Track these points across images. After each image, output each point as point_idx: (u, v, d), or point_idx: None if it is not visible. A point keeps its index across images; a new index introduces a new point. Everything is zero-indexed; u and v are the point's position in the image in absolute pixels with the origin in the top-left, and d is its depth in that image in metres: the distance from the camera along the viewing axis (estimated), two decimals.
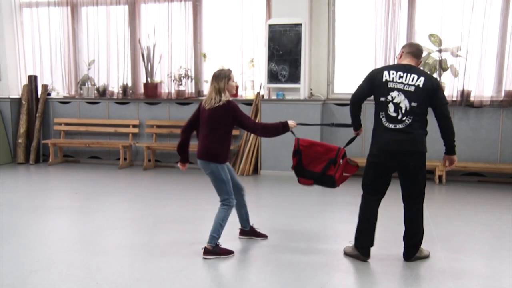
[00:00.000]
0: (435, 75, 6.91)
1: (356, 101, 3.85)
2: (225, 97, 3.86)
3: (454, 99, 6.79)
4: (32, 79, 8.64)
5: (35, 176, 7.59)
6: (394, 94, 3.59)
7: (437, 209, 5.36)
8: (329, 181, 3.94)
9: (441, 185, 6.63)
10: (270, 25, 7.24)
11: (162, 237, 4.37)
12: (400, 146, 3.59)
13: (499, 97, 6.65)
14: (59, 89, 8.90)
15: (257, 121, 7.30)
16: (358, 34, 7.28)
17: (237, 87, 4.09)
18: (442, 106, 3.62)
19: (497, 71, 6.66)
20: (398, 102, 3.58)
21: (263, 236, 4.35)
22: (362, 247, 3.79)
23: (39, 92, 8.71)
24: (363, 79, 3.79)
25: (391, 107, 3.60)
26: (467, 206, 5.51)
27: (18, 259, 3.80)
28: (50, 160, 8.47)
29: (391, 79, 3.63)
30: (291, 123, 3.98)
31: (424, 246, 4.13)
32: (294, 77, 7.19)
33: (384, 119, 3.63)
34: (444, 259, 3.83)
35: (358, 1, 7.39)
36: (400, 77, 3.61)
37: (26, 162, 8.57)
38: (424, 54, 6.92)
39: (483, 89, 6.68)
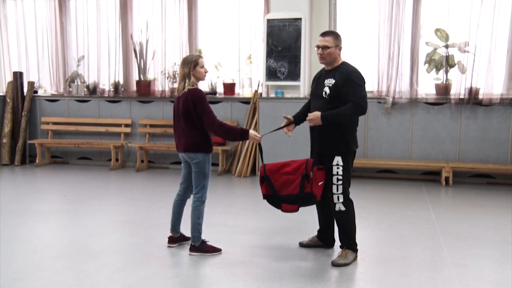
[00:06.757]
0: (442, 71, 6.87)
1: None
2: (190, 84, 3.84)
3: (462, 97, 6.70)
4: (18, 76, 8.57)
5: (20, 178, 7.52)
6: None
7: (444, 212, 5.29)
8: (311, 199, 3.76)
9: (447, 187, 6.57)
10: (268, 20, 7.16)
11: (156, 241, 4.32)
12: None
13: (509, 95, 6.57)
14: (47, 87, 8.86)
15: (253, 121, 7.39)
16: (360, 28, 7.19)
17: (206, 72, 3.99)
18: None
19: (508, 67, 6.56)
20: None
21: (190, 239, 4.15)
22: None
23: (25, 90, 8.65)
24: (362, 84, 3.88)
25: None
26: (476, 209, 5.44)
27: (2, 266, 3.73)
28: (37, 161, 8.40)
29: None
30: (253, 134, 3.91)
31: (429, 250, 4.12)
32: (294, 74, 7.11)
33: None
34: (451, 264, 3.78)
35: None
36: None
37: (11, 163, 8.48)
38: (430, 49, 6.92)
39: (492, 86, 6.60)
